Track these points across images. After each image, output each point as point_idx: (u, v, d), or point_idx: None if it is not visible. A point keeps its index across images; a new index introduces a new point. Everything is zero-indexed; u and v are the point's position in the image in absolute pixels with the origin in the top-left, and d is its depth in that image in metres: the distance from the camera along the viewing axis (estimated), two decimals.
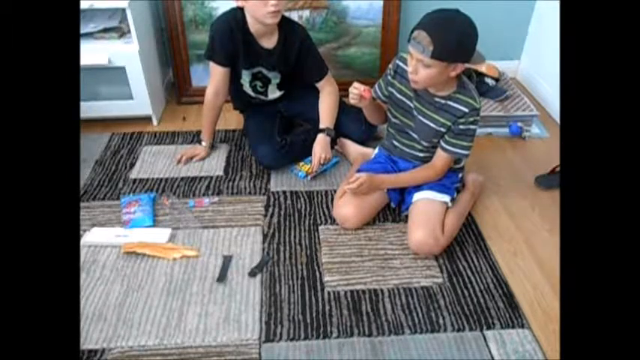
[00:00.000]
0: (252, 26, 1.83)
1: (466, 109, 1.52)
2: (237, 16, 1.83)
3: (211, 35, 1.89)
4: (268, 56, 1.91)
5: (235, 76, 1.99)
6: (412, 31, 1.41)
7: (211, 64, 1.94)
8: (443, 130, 1.58)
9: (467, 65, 1.46)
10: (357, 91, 1.59)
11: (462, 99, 1.53)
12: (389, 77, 1.67)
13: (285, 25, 1.88)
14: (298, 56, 1.93)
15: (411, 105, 1.63)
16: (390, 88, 1.68)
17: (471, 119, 1.53)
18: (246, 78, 2.00)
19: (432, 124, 1.59)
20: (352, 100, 1.62)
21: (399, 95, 1.66)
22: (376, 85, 1.74)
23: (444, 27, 1.38)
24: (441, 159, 1.63)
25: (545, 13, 2.55)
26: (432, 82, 1.49)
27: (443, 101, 1.55)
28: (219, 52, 1.89)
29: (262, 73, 1.98)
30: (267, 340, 1.37)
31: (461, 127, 1.55)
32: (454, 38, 1.37)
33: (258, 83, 2.02)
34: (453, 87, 1.54)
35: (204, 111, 2.04)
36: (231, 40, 1.85)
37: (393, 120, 1.72)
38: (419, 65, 1.43)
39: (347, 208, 1.71)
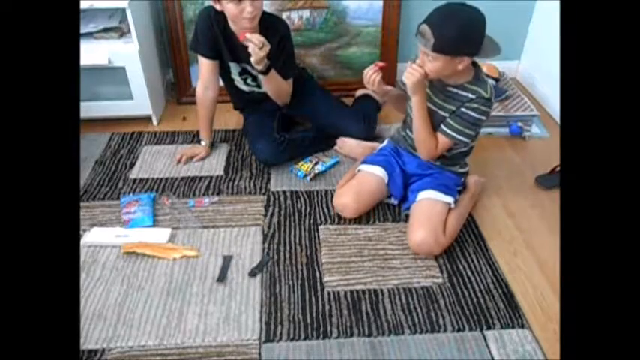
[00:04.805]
0: (231, 24, 1.82)
1: (473, 96, 1.53)
2: (217, 11, 1.80)
3: (195, 27, 1.90)
4: (248, 53, 1.90)
5: (225, 71, 1.98)
6: (419, 25, 1.44)
7: (199, 57, 1.94)
8: (448, 116, 1.59)
9: (477, 59, 1.48)
10: (367, 71, 1.59)
11: (471, 88, 1.54)
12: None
13: (266, 22, 1.85)
14: (274, 52, 1.88)
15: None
16: None
17: (474, 105, 1.53)
18: (234, 71, 1.99)
19: (440, 112, 1.60)
20: (368, 84, 1.61)
21: None
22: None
23: (445, 20, 1.41)
24: (440, 139, 1.62)
25: (545, 13, 2.55)
26: (440, 74, 1.51)
27: (454, 90, 1.56)
28: (202, 44, 1.89)
29: (247, 69, 1.97)
30: (267, 340, 1.37)
31: (462, 109, 1.55)
32: (455, 31, 1.39)
33: (249, 77, 2.01)
34: (468, 78, 1.55)
35: (198, 109, 2.04)
36: (213, 33, 1.85)
37: (409, 108, 1.71)
38: (425, 58, 1.46)
39: (346, 197, 1.73)
